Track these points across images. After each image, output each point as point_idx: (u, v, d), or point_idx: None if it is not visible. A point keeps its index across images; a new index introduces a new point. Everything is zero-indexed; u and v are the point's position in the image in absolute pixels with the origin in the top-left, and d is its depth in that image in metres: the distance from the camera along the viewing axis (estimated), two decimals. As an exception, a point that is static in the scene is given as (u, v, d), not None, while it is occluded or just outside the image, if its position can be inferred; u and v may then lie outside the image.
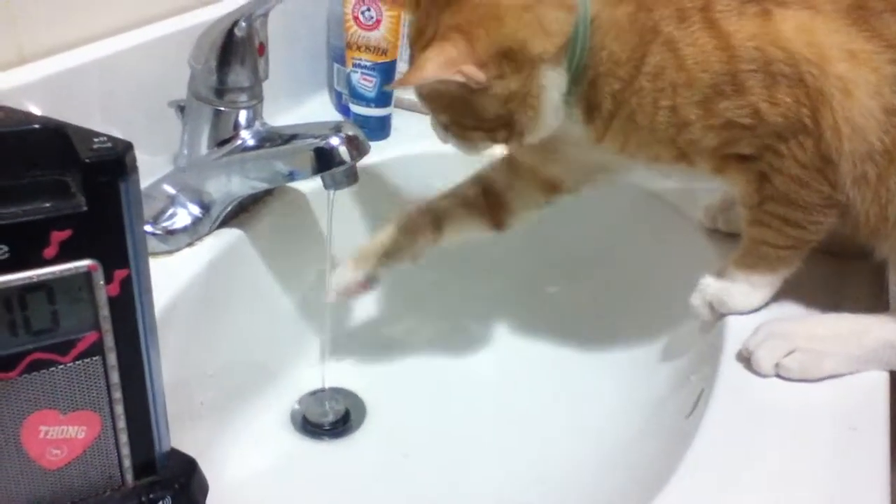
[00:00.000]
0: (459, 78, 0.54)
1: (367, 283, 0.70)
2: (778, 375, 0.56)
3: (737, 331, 0.60)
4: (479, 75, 0.54)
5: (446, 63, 0.54)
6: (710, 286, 0.62)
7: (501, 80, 0.55)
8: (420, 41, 0.58)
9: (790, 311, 0.62)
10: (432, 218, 0.71)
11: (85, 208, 0.41)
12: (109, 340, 0.44)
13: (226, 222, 0.69)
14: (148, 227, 0.64)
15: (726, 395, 0.55)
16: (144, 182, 0.47)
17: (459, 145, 0.63)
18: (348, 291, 0.70)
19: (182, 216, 0.66)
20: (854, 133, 0.54)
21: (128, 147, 0.42)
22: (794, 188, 0.57)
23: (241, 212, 0.71)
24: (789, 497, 0.48)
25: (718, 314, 0.62)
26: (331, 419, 0.73)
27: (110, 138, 0.42)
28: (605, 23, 0.55)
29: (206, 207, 0.67)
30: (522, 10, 0.55)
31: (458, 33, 0.54)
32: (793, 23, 0.53)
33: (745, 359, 0.57)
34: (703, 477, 0.49)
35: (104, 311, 0.44)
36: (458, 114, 0.60)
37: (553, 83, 0.57)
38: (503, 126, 0.58)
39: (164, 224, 0.65)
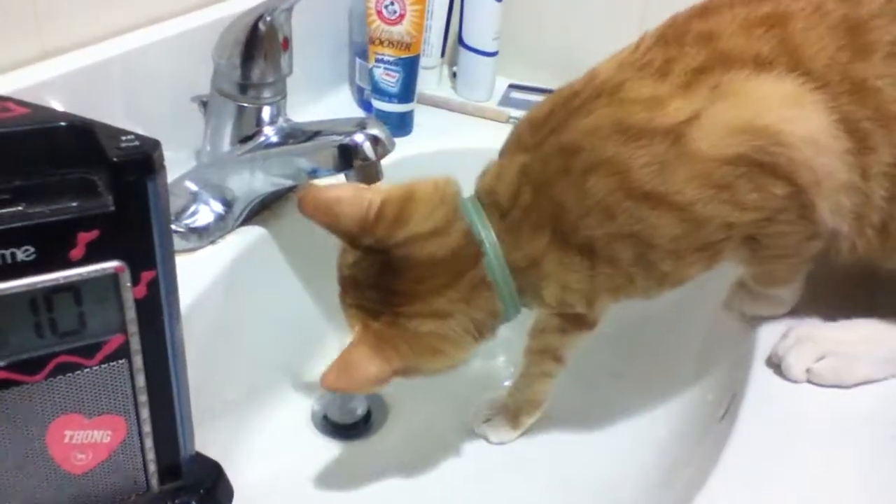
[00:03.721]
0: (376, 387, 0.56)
1: None
2: (809, 381, 0.55)
3: (768, 335, 0.59)
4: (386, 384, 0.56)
5: (371, 378, 0.55)
6: (738, 293, 0.62)
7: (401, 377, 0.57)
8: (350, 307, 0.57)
9: (821, 313, 0.60)
10: None
11: (112, 208, 0.40)
12: (136, 343, 0.44)
13: (248, 220, 0.68)
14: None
15: (758, 401, 0.54)
16: (167, 179, 0.46)
17: None
18: None
19: (205, 213, 0.65)
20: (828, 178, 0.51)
21: (155, 145, 0.41)
22: (779, 242, 0.54)
23: (263, 209, 0.70)
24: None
25: (749, 318, 0.61)
26: (352, 419, 0.72)
27: (138, 136, 0.41)
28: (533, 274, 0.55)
29: (228, 204, 0.66)
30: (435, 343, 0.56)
31: (377, 349, 0.55)
32: (776, 113, 0.49)
33: (776, 364, 0.56)
34: (735, 486, 0.48)
35: (131, 314, 0.43)
36: None
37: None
38: None
39: (187, 221, 0.65)
